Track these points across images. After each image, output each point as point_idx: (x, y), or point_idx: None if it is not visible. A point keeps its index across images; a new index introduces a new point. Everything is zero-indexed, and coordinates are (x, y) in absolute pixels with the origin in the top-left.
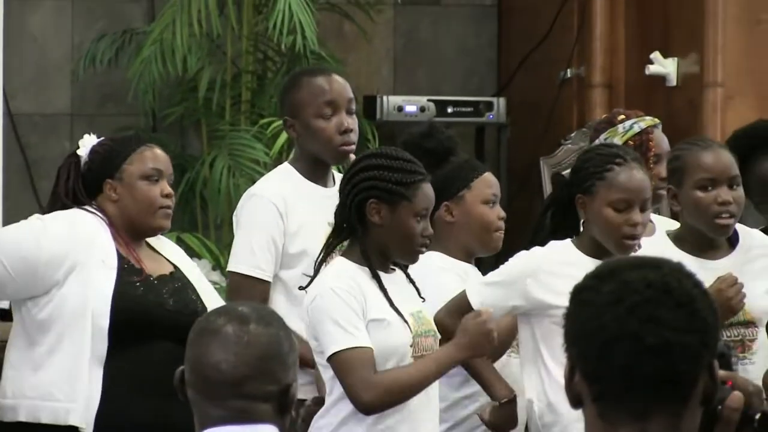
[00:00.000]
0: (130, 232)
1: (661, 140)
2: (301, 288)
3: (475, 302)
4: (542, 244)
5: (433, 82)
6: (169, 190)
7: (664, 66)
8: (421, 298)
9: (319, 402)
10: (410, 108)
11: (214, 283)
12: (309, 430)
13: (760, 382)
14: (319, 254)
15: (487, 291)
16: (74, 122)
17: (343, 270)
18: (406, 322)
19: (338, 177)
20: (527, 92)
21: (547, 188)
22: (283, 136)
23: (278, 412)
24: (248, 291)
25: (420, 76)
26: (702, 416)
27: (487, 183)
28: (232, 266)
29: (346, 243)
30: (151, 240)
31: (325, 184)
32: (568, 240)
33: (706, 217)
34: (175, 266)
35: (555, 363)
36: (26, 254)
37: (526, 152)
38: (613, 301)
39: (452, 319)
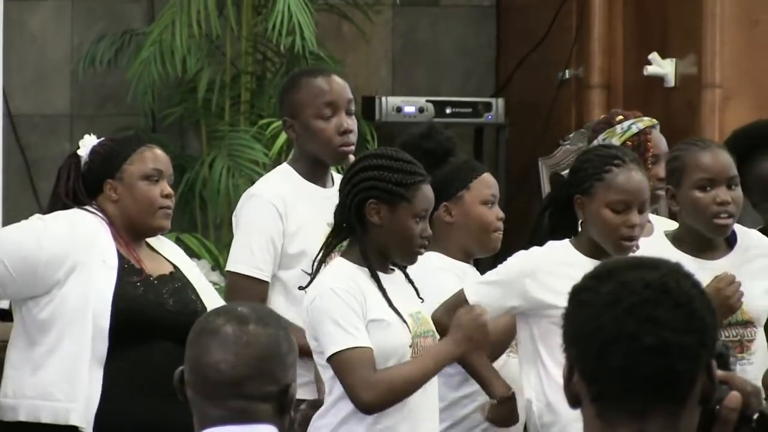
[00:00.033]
0: (131, 232)
1: (659, 141)
2: (300, 288)
3: (472, 301)
4: (540, 244)
5: (431, 83)
6: (169, 190)
7: (662, 67)
8: (420, 298)
9: (314, 406)
10: (409, 109)
11: (213, 283)
12: (309, 429)
13: (758, 382)
14: (318, 254)
15: (484, 290)
16: (74, 123)
17: (343, 270)
18: (405, 322)
19: (337, 177)
20: (526, 93)
21: (546, 189)
22: (283, 136)
23: (277, 412)
24: (247, 291)
25: (419, 76)
26: (700, 416)
27: (486, 183)
28: (230, 266)
29: (345, 243)
30: (150, 240)
31: (324, 185)
32: (567, 240)
33: (704, 218)
34: (174, 266)
35: (553, 363)
36: (27, 254)
37: (525, 153)
38: (612, 302)
39: (450, 318)
